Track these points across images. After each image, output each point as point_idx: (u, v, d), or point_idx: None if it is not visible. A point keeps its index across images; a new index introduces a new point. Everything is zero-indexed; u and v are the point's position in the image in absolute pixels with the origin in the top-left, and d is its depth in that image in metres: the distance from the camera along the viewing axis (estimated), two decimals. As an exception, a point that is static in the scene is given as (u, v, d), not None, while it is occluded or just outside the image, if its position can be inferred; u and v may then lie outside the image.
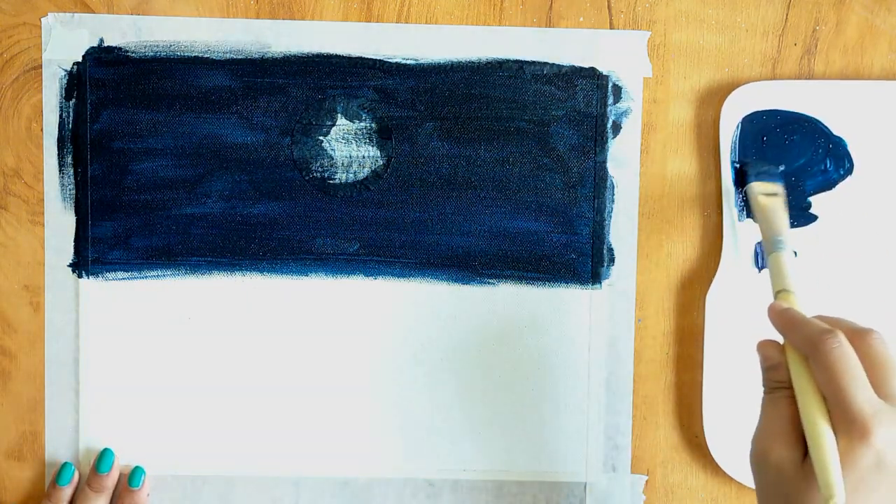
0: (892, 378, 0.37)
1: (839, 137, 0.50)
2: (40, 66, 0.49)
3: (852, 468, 0.35)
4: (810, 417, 0.36)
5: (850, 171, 0.50)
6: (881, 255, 0.50)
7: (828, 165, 0.50)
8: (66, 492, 0.49)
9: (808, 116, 0.50)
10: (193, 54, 0.49)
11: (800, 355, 0.38)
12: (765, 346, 0.41)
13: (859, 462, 0.35)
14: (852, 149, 0.50)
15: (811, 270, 0.50)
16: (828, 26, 0.51)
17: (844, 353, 0.36)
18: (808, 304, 0.41)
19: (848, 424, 0.35)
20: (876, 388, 0.36)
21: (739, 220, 0.50)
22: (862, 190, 0.50)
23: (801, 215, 0.50)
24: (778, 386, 0.39)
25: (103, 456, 0.50)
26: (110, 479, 0.49)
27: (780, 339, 0.40)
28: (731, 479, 0.51)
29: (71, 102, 0.49)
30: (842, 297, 0.50)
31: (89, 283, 0.50)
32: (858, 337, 0.38)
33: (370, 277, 0.50)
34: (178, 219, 0.50)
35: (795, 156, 0.50)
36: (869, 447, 0.34)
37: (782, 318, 0.40)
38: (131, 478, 0.50)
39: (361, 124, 0.50)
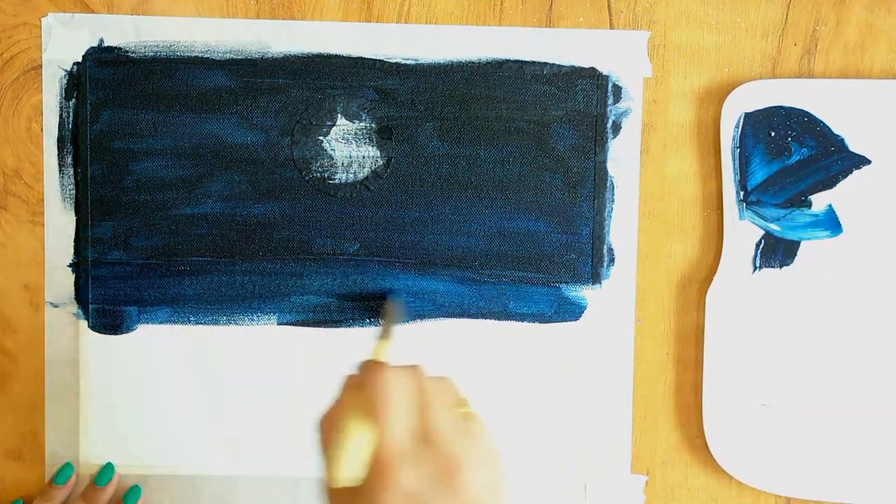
0: (431, 412, 0.35)
1: (839, 136, 0.50)
2: (40, 66, 0.49)
3: None
4: (351, 422, 0.35)
5: (850, 170, 0.50)
6: (881, 253, 0.50)
7: (828, 164, 0.50)
8: (62, 492, 0.49)
9: (808, 115, 0.50)
10: (193, 54, 0.49)
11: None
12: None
13: None
14: (852, 147, 0.50)
15: (810, 269, 0.50)
16: (828, 26, 0.51)
17: (389, 385, 0.35)
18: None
19: (376, 467, 0.33)
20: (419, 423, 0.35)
21: (739, 219, 0.50)
22: (862, 188, 0.50)
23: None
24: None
25: (104, 470, 0.50)
26: (105, 494, 0.49)
27: None
28: (731, 478, 0.51)
29: (71, 102, 0.49)
30: (841, 295, 0.50)
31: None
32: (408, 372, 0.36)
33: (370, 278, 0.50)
34: (178, 219, 0.50)
35: (795, 154, 0.50)
36: (395, 491, 0.33)
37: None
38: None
39: (361, 124, 0.50)
